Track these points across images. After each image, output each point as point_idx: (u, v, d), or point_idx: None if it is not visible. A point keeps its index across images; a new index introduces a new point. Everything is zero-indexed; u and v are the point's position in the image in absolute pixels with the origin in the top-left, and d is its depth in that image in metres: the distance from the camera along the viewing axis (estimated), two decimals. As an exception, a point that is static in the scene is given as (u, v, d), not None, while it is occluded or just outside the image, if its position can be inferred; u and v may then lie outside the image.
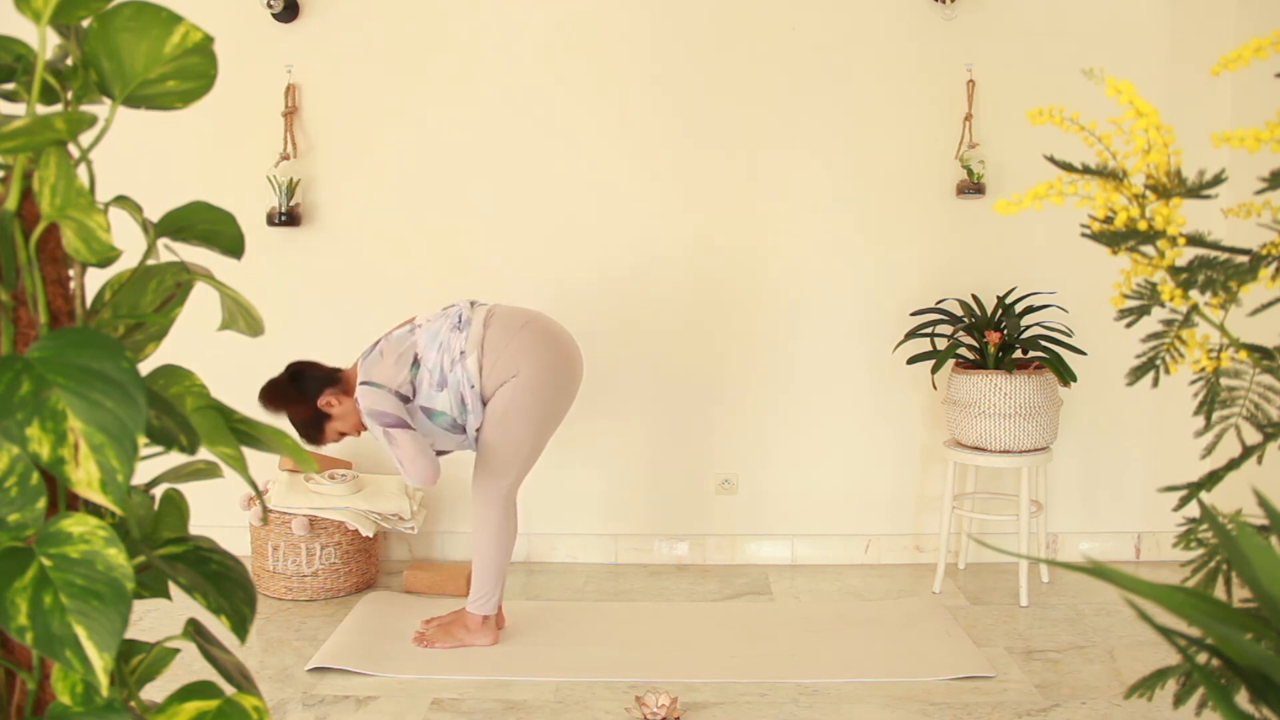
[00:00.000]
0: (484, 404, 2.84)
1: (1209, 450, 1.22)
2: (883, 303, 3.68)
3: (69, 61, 0.93)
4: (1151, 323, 1.14)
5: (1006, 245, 3.65)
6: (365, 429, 2.86)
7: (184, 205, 0.99)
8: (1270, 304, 1.19)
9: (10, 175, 0.88)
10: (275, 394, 2.86)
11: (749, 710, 2.59)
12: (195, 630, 0.99)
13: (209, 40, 0.90)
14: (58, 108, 0.92)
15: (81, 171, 0.88)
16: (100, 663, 0.77)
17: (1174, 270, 1.10)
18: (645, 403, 3.75)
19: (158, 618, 3.14)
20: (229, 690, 0.95)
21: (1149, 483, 3.69)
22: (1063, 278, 3.59)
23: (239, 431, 0.97)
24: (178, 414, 0.89)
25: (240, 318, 1.03)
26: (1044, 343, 3.30)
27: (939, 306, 3.49)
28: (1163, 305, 1.11)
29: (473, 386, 2.80)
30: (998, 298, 3.46)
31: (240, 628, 0.94)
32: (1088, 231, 1.14)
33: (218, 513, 3.60)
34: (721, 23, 3.62)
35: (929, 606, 3.29)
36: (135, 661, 0.98)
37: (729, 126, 3.65)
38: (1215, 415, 1.17)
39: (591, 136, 3.67)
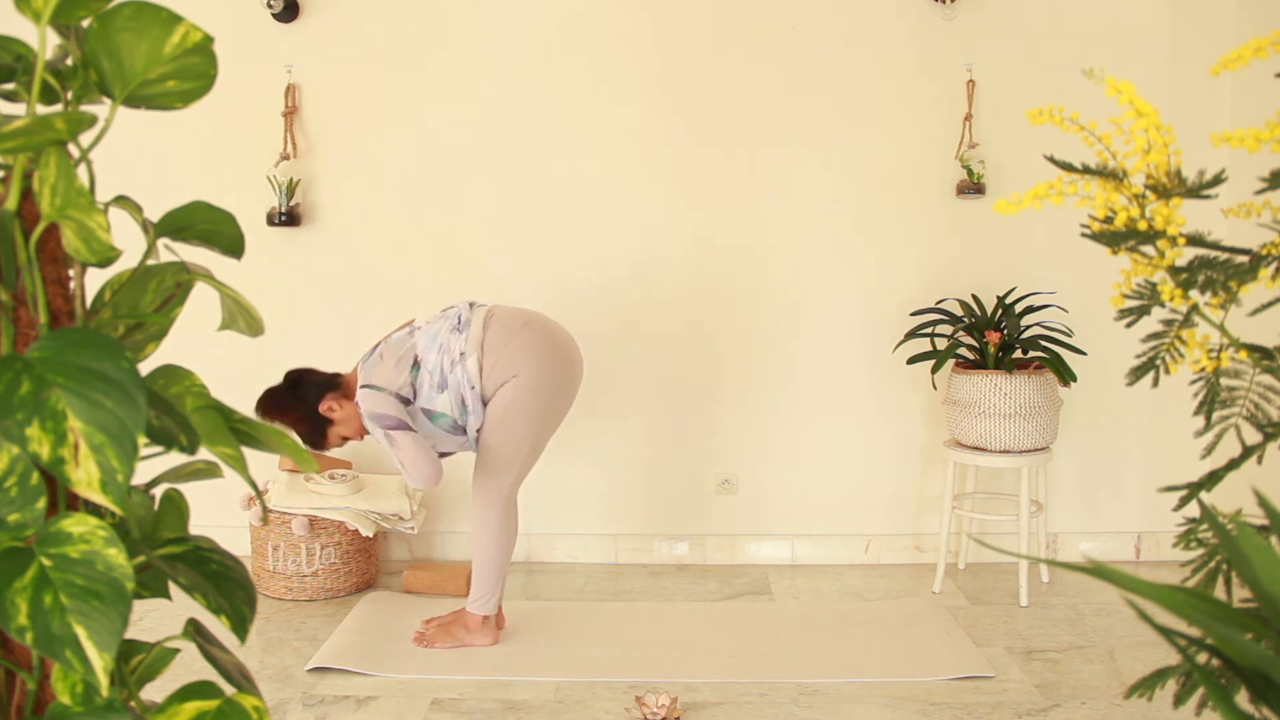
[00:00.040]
0: (484, 405, 2.84)
1: (1209, 450, 1.22)
2: (883, 303, 3.68)
3: (69, 61, 0.93)
4: (1151, 323, 1.14)
5: (1006, 245, 3.65)
6: (368, 433, 2.86)
7: (184, 205, 0.99)
8: (1270, 304, 1.19)
9: (10, 175, 0.88)
10: (275, 402, 2.84)
11: (749, 710, 2.59)
12: (195, 630, 0.99)
13: (209, 40, 0.90)
14: (58, 108, 0.92)
15: (81, 171, 0.88)
16: (100, 663, 0.77)
17: (1174, 270, 1.10)
18: (645, 403, 3.75)
19: (158, 618, 3.14)
20: (229, 690, 0.95)
21: (1149, 483, 3.69)
22: (1063, 278, 3.59)
23: (239, 431, 0.97)
24: (178, 414, 0.89)
25: (240, 318, 1.03)
26: (1044, 343, 3.30)
27: (939, 306, 3.49)
28: (1163, 305, 1.11)
29: (473, 388, 2.79)
30: (998, 298, 3.46)
31: (240, 628, 0.94)
32: (1088, 231, 1.14)
33: (218, 513, 3.60)
34: (721, 23, 3.62)
35: (929, 606, 3.29)
36: (135, 661, 0.98)
37: (729, 126, 3.65)
38: (1215, 415, 1.17)
39: (591, 136, 3.67)
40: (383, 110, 3.68)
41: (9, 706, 0.90)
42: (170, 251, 1.07)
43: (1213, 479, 1.18)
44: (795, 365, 3.72)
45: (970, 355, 3.40)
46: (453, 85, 3.66)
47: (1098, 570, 0.85)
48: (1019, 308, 3.43)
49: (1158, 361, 1.14)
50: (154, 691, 1.30)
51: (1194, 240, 1.11)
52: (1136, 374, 1.16)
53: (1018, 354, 3.36)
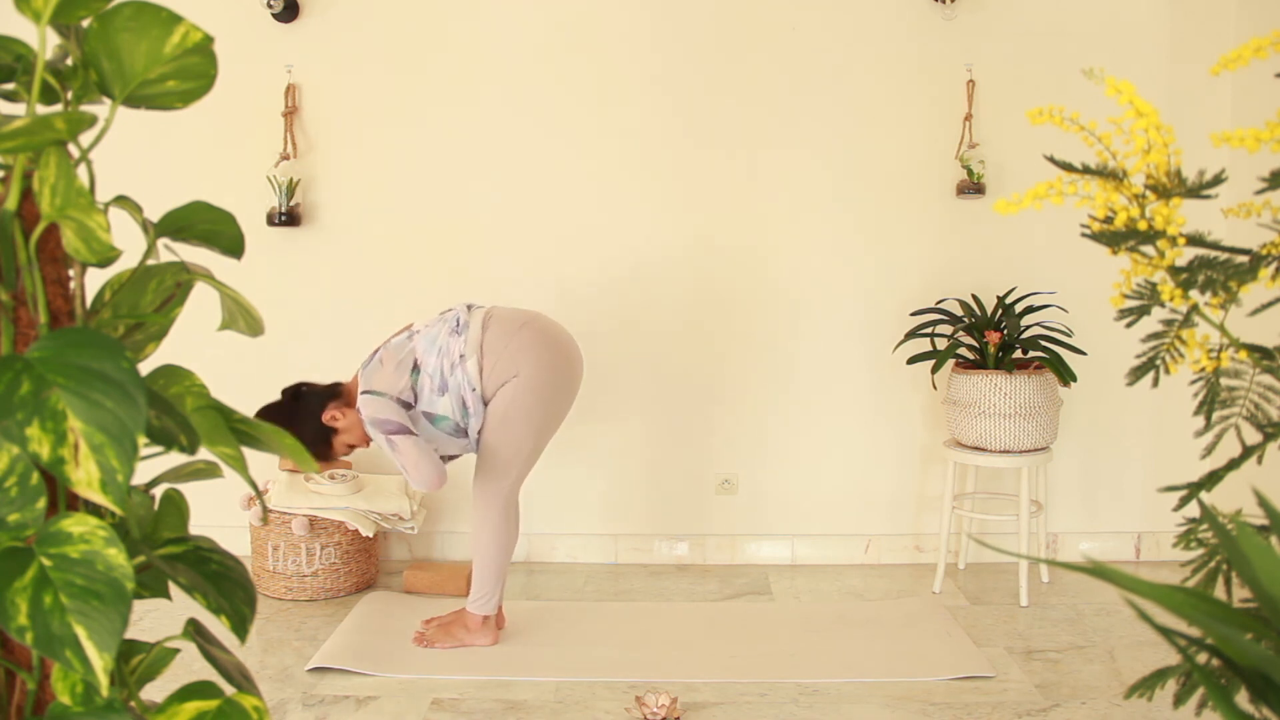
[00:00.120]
0: (485, 406, 2.84)
1: (1209, 450, 1.22)
2: (883, 303, 3.68)
3: (69, 61, 0.93)
4: (1151, 323, 1.14)
5: (1006, 245, 3.65)
6: (372, 439, 2.86)
7: (184, 205, 0.99)
8: (1270, 304, 1.19)
9: (10, 175, 0.88)
10: (278, 416, 2.81)
11: (749, 710, 2.59)
12: (195, 630, 0.99)
13: (209, 40, 0.90)
14: (58, 108, 0.92)
15: (81, 171, 0.88)
16: (100, 663, 0.77)
17: (1174, 270, 1.10)
18: (645, 403, 3.75)
19: (158, 618, 3.14)
20: (229, 690, 0.95)
21: (1149, 483, 3.69)
22: (1063, 278, 3.59)
23: (239, 431, 0.97)
24: (178, 414, 0.89)
25: (240, 318, 1.03)
26: (1044, 343, 3.30)
27: (939, 306, 3.49)
28: (1163, 305, 1.11)
29: (474, 389, 2.79)
30: (998, 298, 3.46)
31: (240, 628, 0.94)
32: (1088, 231, 1.14)
33: (218, 513, 3.60)
34: (721, 23, 3.62)
35: (929, 606, 3.29)
36: (135, 661, 0.98)
37: (729, 126, 3.65)
38: (1215, 415, 1.17)
39: (591, 136, 3.66)
40: (383, 110, 3.68)
41: (9, 706, 0.90)
42: (170, 251, 1.07)
43: (1213, 479, 1.18)
44: (795, 365, 3.72)
45: (970, 355, 3.40)
46: (453, 85, 3.66)
47: (1098, 570, 0.85)
48: (1019, 308, 3.43)
49: (1158, 361, 1.14)
50: (154, 691, 1.30)
51: (1194, 240, 1.11)
52: (1136, 374, 1.16)
53: (1018, 354, 3.36)
